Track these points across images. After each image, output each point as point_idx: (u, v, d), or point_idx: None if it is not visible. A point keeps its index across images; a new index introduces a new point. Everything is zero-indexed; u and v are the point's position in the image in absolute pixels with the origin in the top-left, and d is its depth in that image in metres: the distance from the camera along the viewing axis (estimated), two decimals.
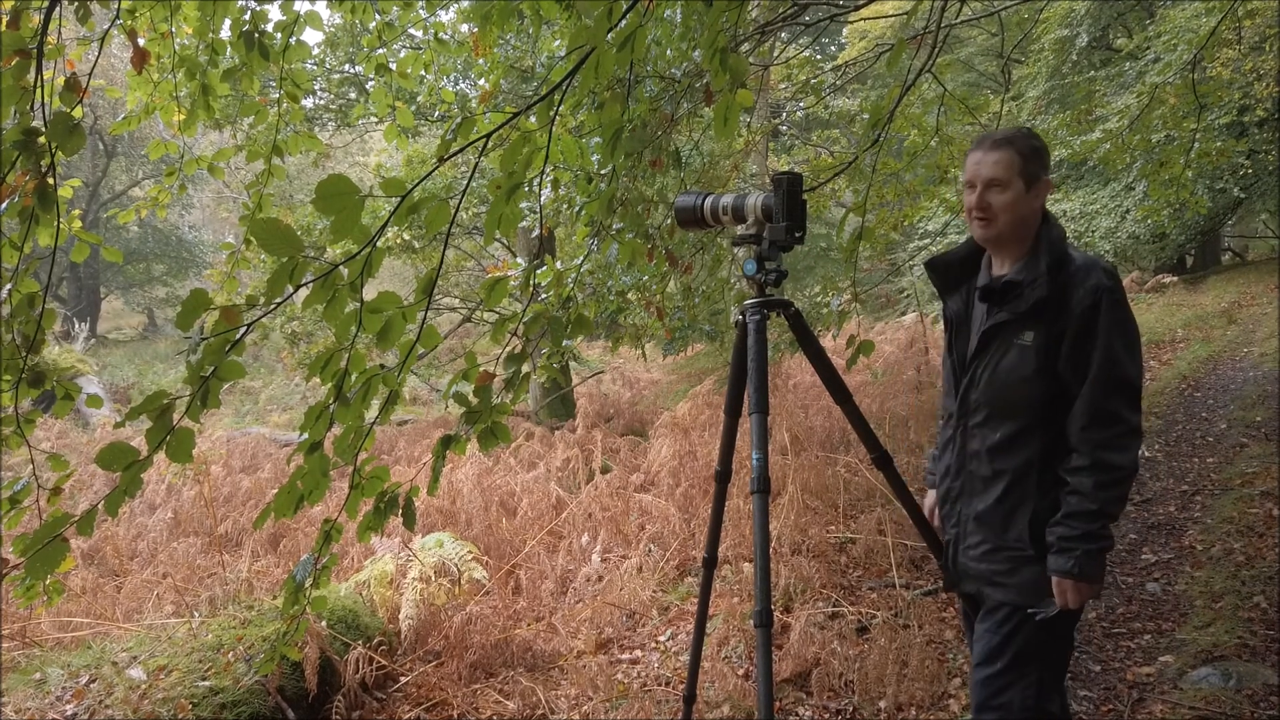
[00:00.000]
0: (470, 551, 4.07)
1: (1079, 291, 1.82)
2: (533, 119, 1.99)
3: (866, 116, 4.02)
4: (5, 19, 2.02)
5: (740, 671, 3.32)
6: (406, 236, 9.21)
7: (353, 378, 1.61)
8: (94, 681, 3.02)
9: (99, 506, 1.53)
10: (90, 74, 2.25)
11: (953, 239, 10.98)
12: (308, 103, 10.76)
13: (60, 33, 2.36)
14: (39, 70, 1.87)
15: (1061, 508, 1.85)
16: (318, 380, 1.61)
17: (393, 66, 3.50)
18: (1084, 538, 1.81)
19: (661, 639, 3.80)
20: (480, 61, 3.80)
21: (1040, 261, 1.88)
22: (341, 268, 1.47)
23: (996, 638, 1.95)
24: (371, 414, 1.67)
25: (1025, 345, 1.88)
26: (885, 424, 6.36)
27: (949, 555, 2.10)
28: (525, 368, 1.99)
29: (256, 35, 2.76)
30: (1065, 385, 1.86)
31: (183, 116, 3.02)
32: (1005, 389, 1.92)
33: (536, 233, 3.22)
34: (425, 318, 1.66)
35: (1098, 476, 1.80)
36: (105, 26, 2.54)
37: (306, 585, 1.83)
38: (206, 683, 2.97)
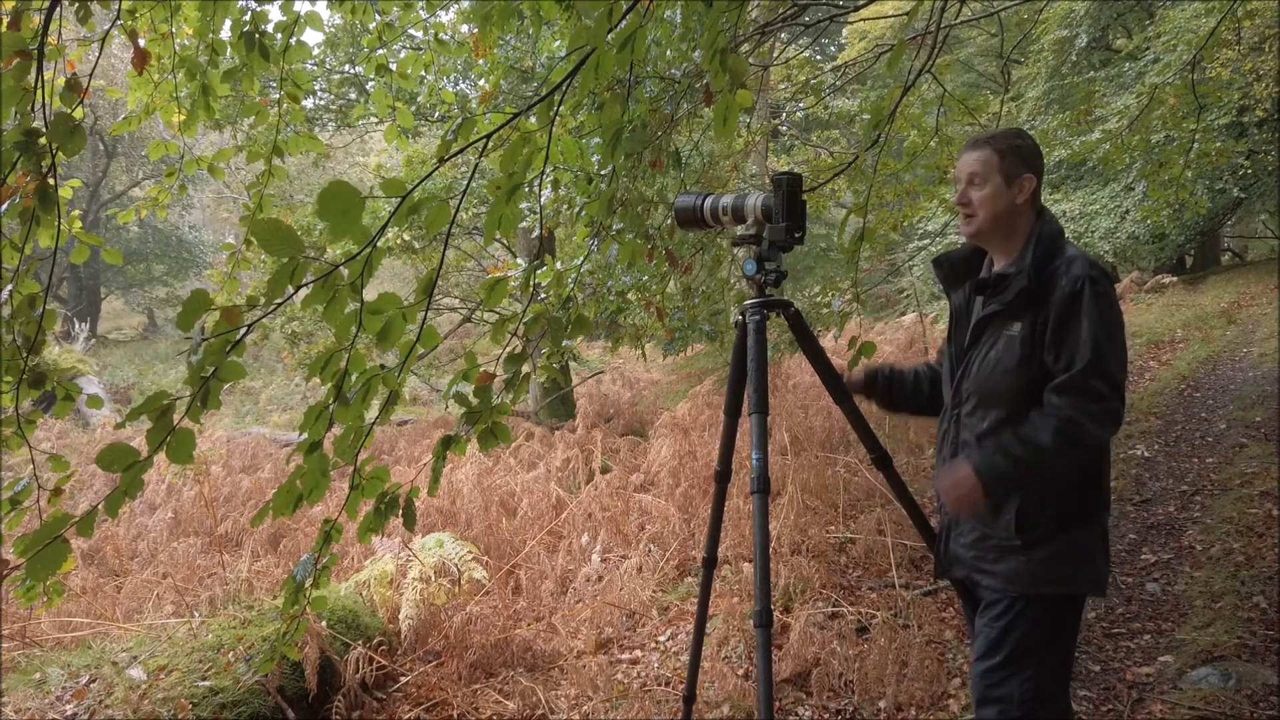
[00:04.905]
0: (470, 551, 4.07)
1: (1062, 281, 1.86)
2: (533, 119, 1.99)
3: (866, 117, 4.02)
4: (6, 20, 2.03)
5: (740, 671, 3.33)
6: (406, 237, 9.22)
7: (353, 378, 1.61)
8: (94, 681, 3.02)
9: (99, 507, 1.53)
10: (91, 74, 2.25)
11: (952, 239, 10.97)
12: (308, 103, 10.76)
13: (61, 33, 2.36)
14: (39, 71, 1.87)
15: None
16: (318, 380, 1.61)
17: (393, 67, 3.51)
18: (1006, 454, 1.85)
19: (661, 639, 3.80)
20: (480, 62, 3.80)
21: (1028, 255, 1.92)
22: (342, 268, 1.47)
23: (995, 630, 1.96)
24: (371, 414, 1.67)
25: (1013, 336, 1.92)
26: (885, 424, 6.36)
27: (941, 541, 2.13)
28: (525, 368, 1.99)
29: (257, 36, 2.76)
30: (1050, 374, 1.87)
31: (183, 117, 3.02)
32: (992, 378, 1.96)
33: (536, 233, 3.22)
34: (425, 318, 1.66)
35: (1064, 429, 1.80)
36: (106, 27, 2.54)
37: (306, 585, 1.84)
38: (206, 683, 2.97)
